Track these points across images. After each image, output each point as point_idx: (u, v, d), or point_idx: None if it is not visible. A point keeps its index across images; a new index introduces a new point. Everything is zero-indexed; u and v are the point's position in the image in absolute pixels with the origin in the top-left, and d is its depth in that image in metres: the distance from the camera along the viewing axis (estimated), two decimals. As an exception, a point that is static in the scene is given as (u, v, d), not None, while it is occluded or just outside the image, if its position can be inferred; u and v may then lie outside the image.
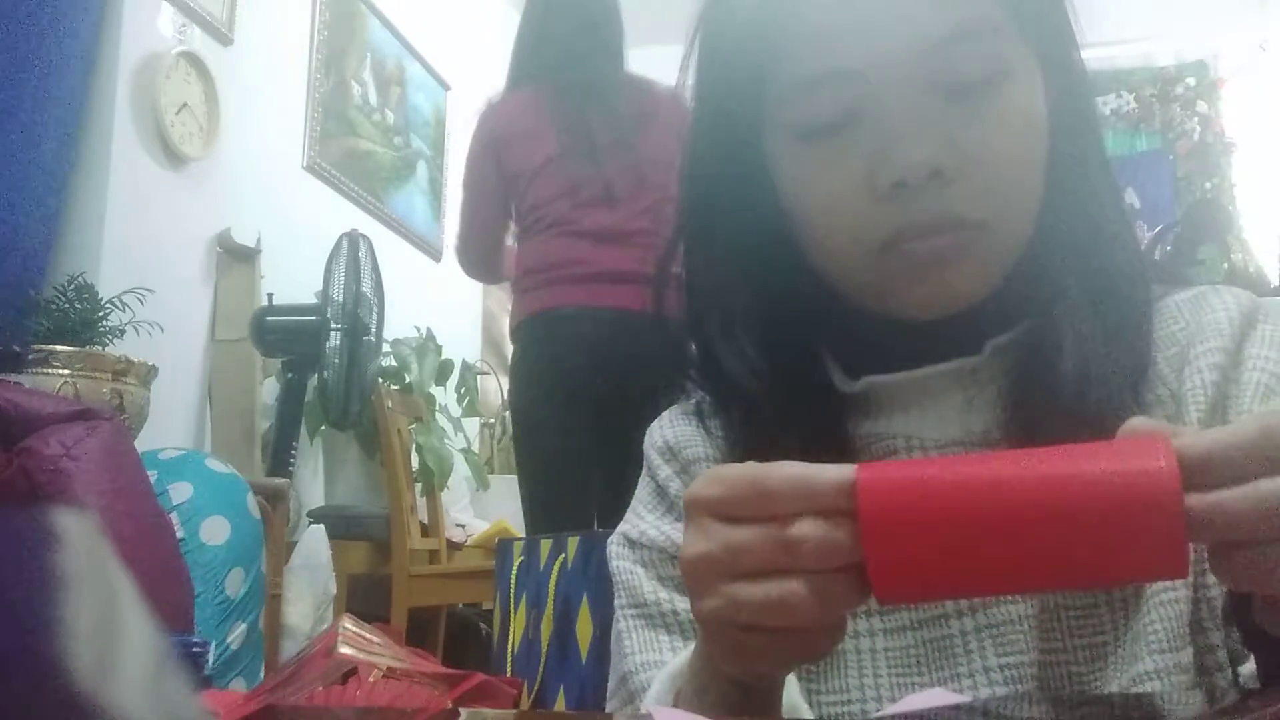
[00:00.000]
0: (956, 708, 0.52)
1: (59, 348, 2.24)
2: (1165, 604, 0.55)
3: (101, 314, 2.32)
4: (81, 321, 2.30)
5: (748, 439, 0.65)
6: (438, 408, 3.72)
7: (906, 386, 0.63)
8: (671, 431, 0.71)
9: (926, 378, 0.62)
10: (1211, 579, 0.56)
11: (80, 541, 0.30)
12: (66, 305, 2.31)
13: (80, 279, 2.38)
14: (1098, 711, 0.52)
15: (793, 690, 0.59)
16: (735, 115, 0.63)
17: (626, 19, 2.46)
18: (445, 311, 4.15)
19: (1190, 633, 0.55)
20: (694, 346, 0.68)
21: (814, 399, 0.64)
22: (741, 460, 0.44)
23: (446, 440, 3.55)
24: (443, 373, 3.77)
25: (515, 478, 4.44)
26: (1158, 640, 0.55)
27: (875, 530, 0.39)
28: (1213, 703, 0.55)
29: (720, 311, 0.66)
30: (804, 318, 0.66)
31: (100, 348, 2.29)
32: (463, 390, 4.01)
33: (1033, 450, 0.39)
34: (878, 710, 0.59)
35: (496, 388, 4.51)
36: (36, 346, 2.24)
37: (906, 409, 0.63)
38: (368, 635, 0.44)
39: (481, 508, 3.96)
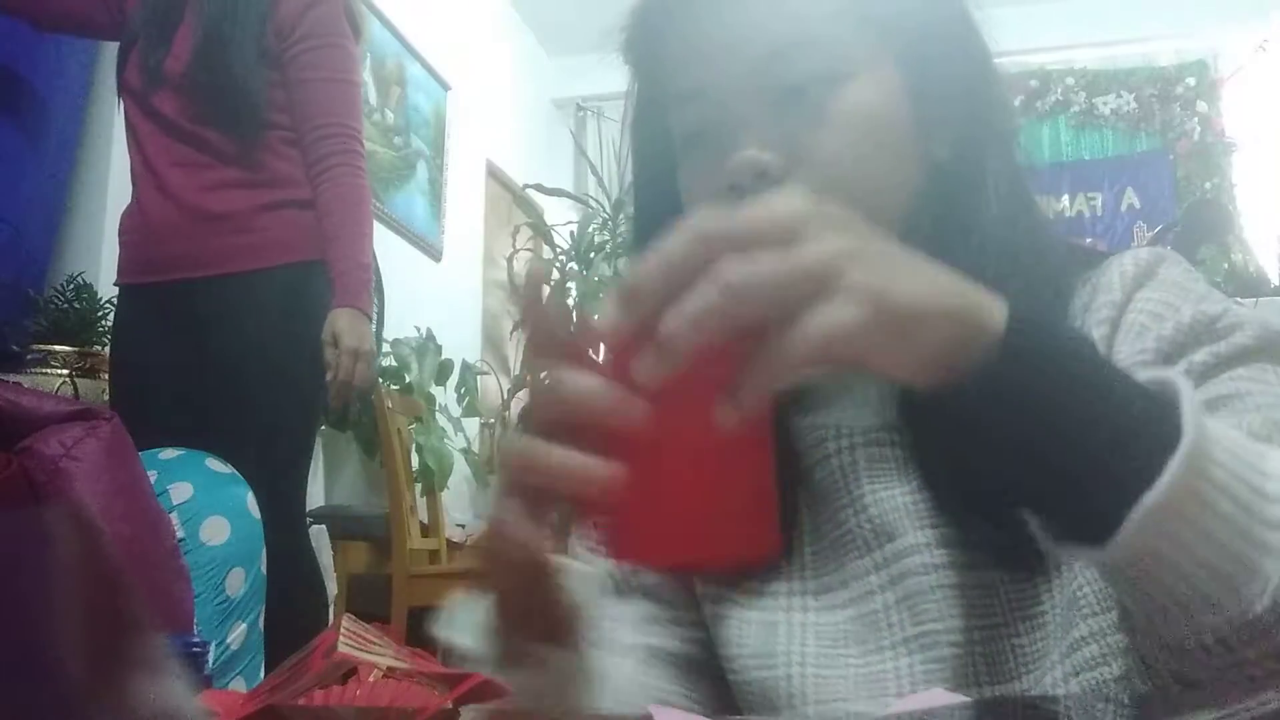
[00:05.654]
0: (956, 708, 0.52)
1: (58, 348, 2.25)
2: (1087, 567, 0.57)
3: (101, 314, 2.32)
4: (81, 321, 2.30)
5: None
6: (438, 408, 3.73)
7: (828, 381, 0.66)
8: None
9: (842, 372, 0.65)
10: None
11: (80, 541, 0.30)
12: (66, 305, 2.31)
13: (80, 279, 2.38)
14: (1109, 710, 0.52)
15: (625, 672, 0.60)
16: (650, 127, 0.69)
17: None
18: (445, 311, 4.15)
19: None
20: None
21: None
22: None
23: (446, 440, 3.55)
24: (443, 373, 3.78)
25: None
26: (1088, 604, 0.57)
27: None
28: (1144, 662, 0.56)
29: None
30: None
31: (100, 347, 2.29)
32: (463, 390, 4.01)
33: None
34: (801, 675, 0.61)
35: (496, 388, 4.51)
36: (36, 346, 2.24)
37: (836, 401, 0.66)
38: (368, 635, 0.44)
39: (481, 508, 3.96)
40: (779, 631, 0.63)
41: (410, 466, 3.22)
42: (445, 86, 4.42)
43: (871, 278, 0.41)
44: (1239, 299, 2.54)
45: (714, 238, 0.41)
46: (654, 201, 0.70)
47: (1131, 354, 0.58)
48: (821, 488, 0.65)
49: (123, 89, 2.05)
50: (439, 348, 3.76)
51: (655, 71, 0.66)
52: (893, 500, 0.62)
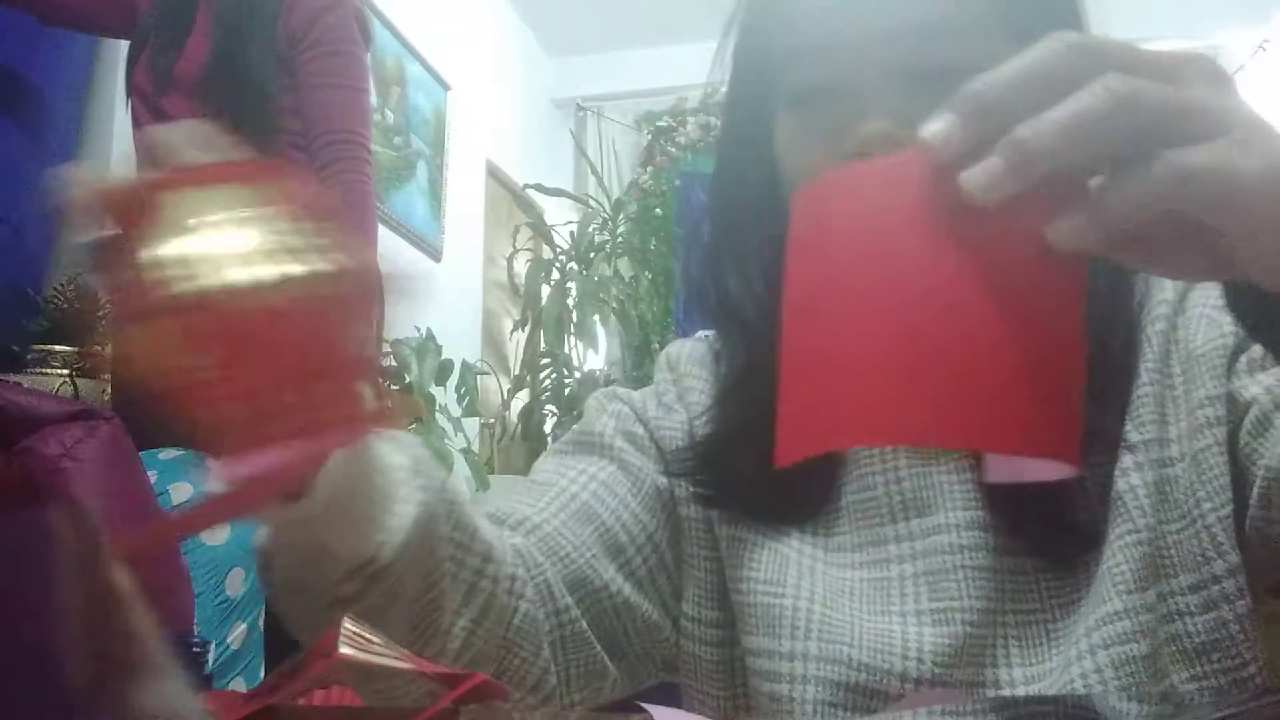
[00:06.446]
0: (957, 706, 0.52)
1: (58, 348, 2.24)
2: (1128, 545, 0.58)
3: (101, 314, 2.32)
4: (80, 321, 2.30)
5: (748, 370, 0.69)
6: (438, 408, 3.72)
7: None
8: (677, 347, 0.78)
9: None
10: (1173, 526, 0.58)
11: (80, 541, 0.30)
12: (66, 305, 2.31)
13: (80, 279, 2.37)
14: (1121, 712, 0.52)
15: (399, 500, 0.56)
16: (752, 80, 0.68)
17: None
18: (445, 311, 4.15)
19: (1152, 577, 0.58)
20: (713, 290, 0.73)
21: None
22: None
23: (446, 440, 3.55)
24: (443, 373, 3.77)
25: (515, 478, 4.45)
26: (1124, 581, 0.58)
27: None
28: (1180, 651, 0.57)
29: (734, 261, 0.71)
30: None
31: (100, 348, 2.29)
32: (463, 390, 4.01)
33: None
34: (808, 610, 0.62)
35: (496, 388, 4.51)
36: (36, 346, 2.24)
37: None
38: (368, 635, 0.44)
39: (481, 508, 3.95)
40: (790, 565, 0.64)
41: (410, 466, 3.21)
42: (445, 86, 4.42)
43: (1261, 138, 0.37)
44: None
45: (1095, 52, 0.36)
46: (733, 146, 0.71)
47: (1211, 338, 0.60)
48: (854, 451, 0.66)
49: (131, 90, 2.04)
50: (439, 348, 3.75)
51: (773, 20, 0.65)
52: (929, 477, 0.63)
